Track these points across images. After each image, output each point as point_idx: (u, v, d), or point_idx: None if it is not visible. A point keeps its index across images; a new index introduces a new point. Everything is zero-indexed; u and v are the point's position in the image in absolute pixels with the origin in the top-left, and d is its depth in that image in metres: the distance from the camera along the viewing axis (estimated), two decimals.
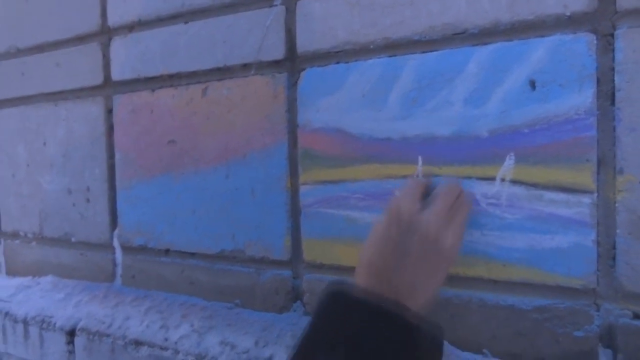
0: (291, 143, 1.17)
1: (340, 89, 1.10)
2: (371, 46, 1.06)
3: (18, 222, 1.78)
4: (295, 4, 1.15)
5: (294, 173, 1.17)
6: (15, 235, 1.80)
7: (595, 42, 0.85)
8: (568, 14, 0.87)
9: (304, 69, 1.15)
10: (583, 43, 0.86)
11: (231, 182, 1.26)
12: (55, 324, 1.39)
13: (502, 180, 0.93)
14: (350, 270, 1.09)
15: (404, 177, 1.03)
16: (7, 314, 1.52)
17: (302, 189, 1.15)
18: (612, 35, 0.84)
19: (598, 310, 0.86)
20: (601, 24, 0.85)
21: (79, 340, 1.34)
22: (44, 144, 1.68)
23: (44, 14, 1.65)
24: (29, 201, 1.74)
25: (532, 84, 0.90)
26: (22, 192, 1.76)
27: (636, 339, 0.83)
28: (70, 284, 1.59)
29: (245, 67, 1.23)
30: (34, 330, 1.44)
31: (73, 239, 1.62)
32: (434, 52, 0.99)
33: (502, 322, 0.94)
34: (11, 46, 1.76)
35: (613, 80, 0.84)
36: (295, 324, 1.14)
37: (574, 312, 0.88)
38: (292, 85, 1.17)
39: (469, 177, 0.96)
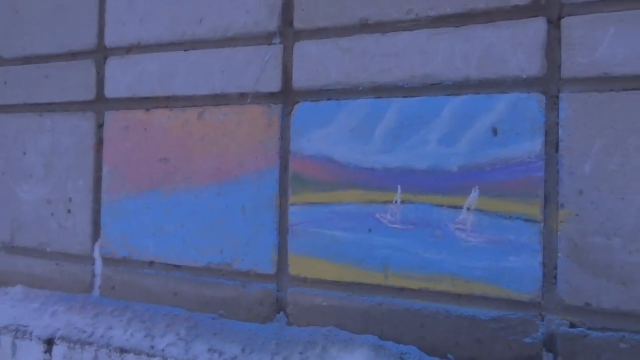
0: (282, 167, 1.30)
1: (331, 123, 1.24)
2: (360, 88, 1.22)
3: None
4: (293, 44, 1.30)
5: (283, 195, 1.29)
6: None
7: (545, 101, 1.06)
8: (524, 76, 1.07)
9: (298, 102, 1.29)
10: (535, 101, 1.06)
11: (223, 200, 1.36)
12: (31, 333, 1.40)
13: (468, 209, 1.10)
14: (332, 285, 1.22)
15: (385, 202, 1.18)
16: None
17: (291, 209, 1.27)
18: (557, 97, 1.05)
19: (543, 321, 1.04)
20: (550, 87, 1.06)
21: (59, 350, 1.35)
22: (24, 153, 1.69)
23: (35, 27, 1.69)
24: (1, 210, 1.73)
25: (495, 131, 1.09)
26: None
27: (573, 344, 1.02)
28: (44, 294, 1.59)
29: (242, 96, 1.36)
30: (6, 340, 1.44)
31: (49, 249, 1.63)
32: (415, 98, 1.17)
33: (465, 331, 1.10)
34: None
35: (558, 133, 1.04)
36: (279, 334, 1.24)
37: (523, 322, 1.05)
38: (286, 116, 1.30)
39: (441, 205, 1.13)
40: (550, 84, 1.06)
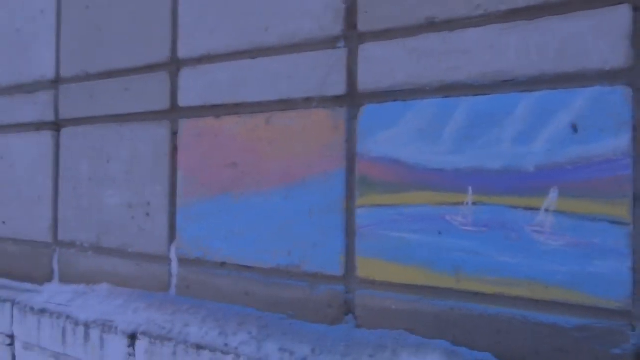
0: (349, 170, 1.30)
1: (398, 124, 1.23)
2: (427, 87, 1.20)
3: (76, 233, 1.91)
4: (358, 47, 1.31)
5: (350, 197, 1.29)
6: (71, 245, 1.93)
7: (631, 94, 0.98)
8: (607, 68, 1.00)
9: (363, 105, 1.29)
10: (620, 94, 0.99)
11: (290, 203, 1.39)
12: (116, 327, 1.51)
13: (547, 210, 1.05)
14: (401, 287, 1.21)
15: (455, 204, 1.15)
16: (68, 317, 1.64)
17: (358, 211, 1.28)
18: None
19: (634, 330, 0.97)
20: (636, 79, 0.98)
21: (141, 344, 1.44)
22: (107, 161, 1.83)
23: (115, 43, 1.83)
24: (88, 213, 1.87)
25: (575, 128, 1.03)
26: (82, 204, 1.89)
27: None
28: (126, 292, 1.71)
29: (308, 100, 1.38)
30: (94, 333, 1.55)
31: (130, 250, 1.75)
32: (486, 96, 1.13)
33: (545, 339, 1.05)
34: (82, 70, 1.93)
35: None
36: (348, 335, 1.24)
37: (611, 331, 0.98)
38: (352, 118, 1.31)
39: (516, 207, 1.08)
40: (636, 75, 0.98)
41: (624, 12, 0.99)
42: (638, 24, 0.98)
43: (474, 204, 1.13)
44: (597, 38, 1.01)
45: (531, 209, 1.07)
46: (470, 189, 1.13)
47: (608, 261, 0.99)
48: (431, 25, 1.20)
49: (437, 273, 1.16)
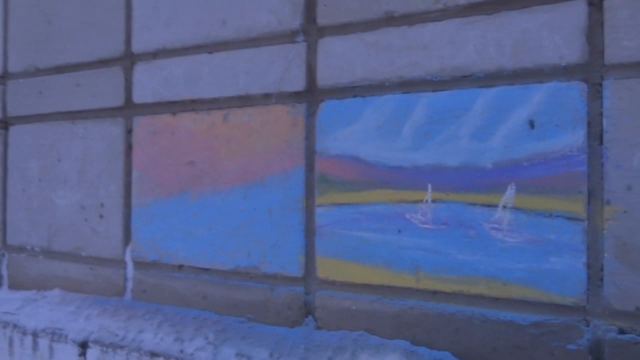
0: (308, 168, 1.27)
1: (357, 121, 1.21)
2: (387, 83, 1.18)
3: (26, 236, 1.81)
4: (317, 41, 1.27)
5: (310, 195, 1.26)
6: (21, 249, 1.83)
7: (586, 89, 0.98)
8: (563, 64, 1.00)
9: (322, 101, 1.26)
10: (576, 90, 0.99)
11: (249, 202, 1.34)
12: (66, 336, 1.43)
13: (504, 207, 1.04)
14: (361, 287, 1.18)
15: (415, 202, 1.13)
16: (15, 326, 1.55)
17: (318, 210, 1.24)
18: (600, 84, 0.97)
19: (588, 326, 0.97)
20: (591, 75, 0.98)
21: (92, 352, 1.37)
22: (58, 160, 1.74)
23: (66, 36, 1.74)
24: (39, 215, 1.78)
25: (532, 124, 1.02)
26: (32, 206, 1.80)
27: (622, 351, 0.94)
28: (79, 297, 1.62)
29: (266, 96, 1.34)
30: (43, 342, 1.47)
31: (83, 254, 1.66)
32: (445, 91, 1.11)
33: (503, 336, 1.04)
34: (30, 65, 1.83)
35: (601, 123, 0.97)
36: (307, 338, 1.21)
37: (567, 327, 0.98)
38: (311, 114, 1.27)
39: (474, 204, 1.07)
40: (592, 70, 0.98)
41: (579, 7, 0.99)
42: (593, 19, 0.98)
43: (433, 201, 1.11)
44: (553, 33, 1.01)
45: (489, 205, 1.06)
46: (429, 186, 1.12)
47: (564, 257, 0.99)
48: (391, 19, 1.18)
49: (396, 272, 1.14)
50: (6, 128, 1.89)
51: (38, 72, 1.81)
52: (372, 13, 1.20)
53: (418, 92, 1.14)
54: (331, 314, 1.22)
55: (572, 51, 0.99)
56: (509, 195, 1.04)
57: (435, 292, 1.10)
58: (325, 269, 1.23)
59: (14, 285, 1.86)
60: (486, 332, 1.05)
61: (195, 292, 1.43)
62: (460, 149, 1.09)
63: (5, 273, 1.88)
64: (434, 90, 1.13)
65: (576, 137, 0.98)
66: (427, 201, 1.12)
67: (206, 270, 1.41)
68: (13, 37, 1.89)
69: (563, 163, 0.99)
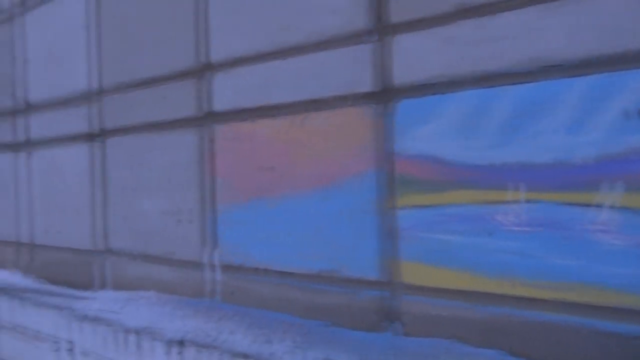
0: (387, 169, 1.24)
1: (436, 119, 1.16)
2: (465, 79, 1.12)
3: (124, 241, 1.97)
4: (390, 40, 1.24)
5: (390, 197, 1.23)
6: (121, 252, 1.99)
7: None
8: None
9: (399, 100, 1.22)
10: None
11: (327, 206, 1.34)
12: (165, 335, 1.53)
13: (608, 206, 0.95)
14: (450, 293, 1.14)
15: (503, 202, 1.06)
16: (119, 324, 1.68)
17: (399, 212, 1.21)
18: None
19: None
20: None
21: (188, 352, 1.46)
22: (149, 169, 1.86)
23: (151, 53, 1.84)
24: (134, 222, 1.92)
25: (639, 113, 0.92)
26: (129, 213, 1.94)
27: None
28: (173, 299, 1.73)
29: (341, 98, 1.33)
30: (145, 341, 1.59)
31: (175, 258, 1.77)
32: (531, 83, 1.03)
33: (613, 349, 0.95)
34: (121, 82, 1.96)
35: None
36: (394, 344, 1.19)
37: None
38: (387, 115, 1.24)
39: (571, 204, 0.99)
40: None
41: None
42: None
43: (525, 201, 1.04)
44: None
45: (590, 205, 0.96)
46: (519, 185, 1.04)
47: None
48: (465, 12, 1.11)
49: (487, 277, 1.08)
50: (103, 141, 2.05)
51: (128, 87, 1.94)
52: (445, 6, 1.14)
53: (501, 86, 1.07)
54: (418, 320, 1.19)
55: None
56: (615, 194, 0.94)
57: (532, 299, 1.03)
58: (410, 273, 1.20)
59: (115, 286, 2.02)
60: (592, 344, 0.97)
61: (279, 296, 1.47)
62: (552, 145, 1.01)
63: (109, 275, 2.06)
64: (519, 83, 1.05)
65: None
66: (517, 201, 1.05)
67: (289, 274, 1.44)
68: (106, 56, 2.04)
69: None
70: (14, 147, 2.55)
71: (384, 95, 1.25)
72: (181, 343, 1.48)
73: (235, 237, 1.57)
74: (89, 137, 2.11)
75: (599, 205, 0.95)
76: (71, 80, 2.20)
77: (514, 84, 1.06)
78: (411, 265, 1.20)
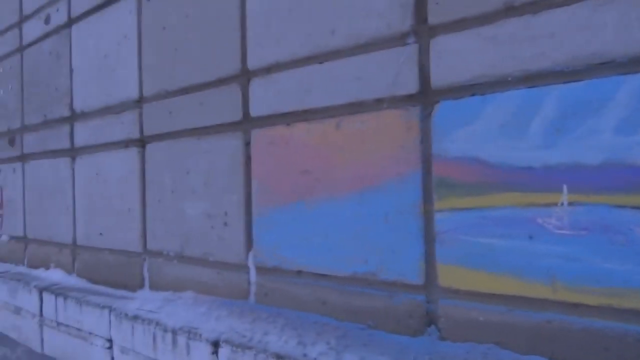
0: (425, 172, 1.23)
1: (477, 120, 1.14)
2: (509, 78, 1.10)
3: (162, 242, 2.02)
4: (429, 41, 1.23)
5: (428, 200, 1.22)
6: (159, 254, 2.04)
7: None
8: None
9: (437, 102, 1.21)
10: None
11: (364, 209, 1.34)
12: (201, 334, 1.55)
13: None
14: (489, 297, 1.11)
15: (548, 205, 1.03)
16: (157, 323, 1.72)
17: (437, 215, 1.20)
18: None
19: None
20: None
21: (223, 351, 1.47)
22: (187, 173, 1.90)
23: (189, 60, 1.90)
24: (172, 223, 1.97)
25: None
26: (167, 215, 1.99)
27: None
28: (209, 299, 1.76)
29: (378, 101, 1.33)
30: (182, 340, 1.62)
31: (211, 259, 1.80)
32: (579, 82, 1.00)
33: None
34: (161, 89, 2.03)
35: None
36: (431, 348, 1.16)
37: None
38: (426, 117, 1.23)
39: (622, 206, 0.95)
40: None
41: None
42: None
43: (569, 204, 1.00)
44: None
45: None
46: (564, 187, 1.01)
47: None
48: (510, 10, 1.09)
49: (529, 281, 1.05)
50: (143, 146, 2.12)
51: (167, 94, 2.01)
52: (488, 5, 1.13)
53: (546, 85, 1.04)
54: (456, 325, 1.17)
55: None
56: None
57: (577, 305, 0.99)
58: (448, 276, 1.18)
59: (154, 287, 2.07)
60: None
61: (314, 298, 1.47)
62: (601, 145, 0.97)
63: (146, 275, 2.11)
64: (566, 82, 1.02)
65: None
66: (562, 204, 1.01)
67: (324, 276, 1.44)
68: (146, 65, 2.12)
69: None
70: (63, 152, 2.67)
71: (422, 97, 1.24)
72: (216, 343, 1.50)
73: (271, 239, 1.58)
74: (129, 143, 2.18)
75: None
76: (115, 89, 2.29)
77: (560, 83, 1.03)
78: (448, 269, 1.17)
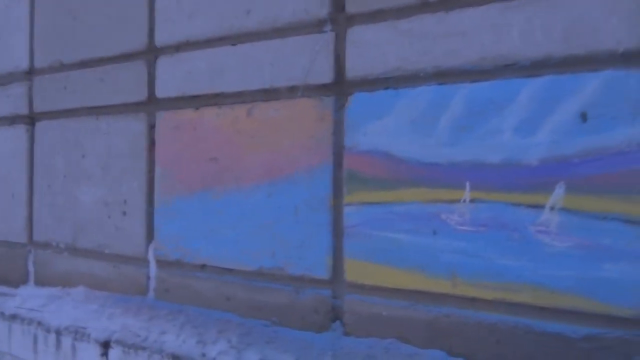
0: (336, 164, 1.20)
1: (389, 114, 1.13)
2: (421, 74, 1.10)
3: (51, 233, 1.81)
4: (346, 30, 1.20)
5: (338, 194, 1.19)
6: (46, 245, 1.82)
7: None
8: (621, 50, 0.90)
9: (352, 93, 1.19)
10: (636, 79, 0.89)
11: (274, 201, 1.28)
12: (89, 335, 1.40)
13: (552, 208, 0.95)
14: (393, 292, 1.11)
15: (451, 201, 1.05)
16: (39, 323, 1.54)
17: (347, 209, 1.17)
18: None
19: None
20: None
21: (114, 353, 1.34)
22: (83, 156, 1.72)
23: (90, 31, 1.71)
24: (63, 212, 1.77)
25: (584, 116, 0.93)
26: (57, 202, 1.79)
27: None
28: (102, 295, 1.61)
29: (292, 89, 1.27)
30: (66, 341, 1.45)
31: (107, 251, 1.64)
32: (485, 82, 1.02)
33: (550, 350, 0.95)
34: (55, 61, 1.82)
35: None
36: (335, 344, 1.14)
37: (625, 341, 0.88)
38: (339, 108, 1.20)
39: (518, 204, 0.98)
40: None
41: None
42: None
43: (471, 201, 1.03)
44: (609, 14, 0.90)
45: (535, 206, 0.96)
46: (467, 184, 1.03)
47: (620, 264, 0.89)
48: (426, 5, 1.09)
49: (431, 277, 1.06)
50: (32, 124, 1.89)
51: (63, 67, 1.79)
52: None
53: (456, 83, 1.06)
54: (360, 320, 1.15)
55: (631, 36, 0.89)
56: (558, 195, 0.94)
57: (473, 299, 1.02)
58: (354, 271, 1.16)
59: (40, 282, 1.86)
60: (532, 345, 0.96)
61: (218, 293, 1.38)
62: (502, 145, 1.00)
63: (31, 269, 1.88)
64: (474, 81, 1.04)
65: (636, 131, 0.88)
66: (465, 201, 1.03)
67: (229, 270, 1.36)
68: (38, 33, 1.88)
69: (620, 160, 0.89)
70: None
71: (337, 87, 1.21)
72: (106, 344, 1.37)
73: (174, 230, 1.47)
74: (15, 119, 1.93)
75: (544, 207, 0.95)
76: (1, 58, 2.01)
77: (468, 81, 1.04)
78: (355, 263, 1.16)
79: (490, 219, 1.01)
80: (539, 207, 0.96)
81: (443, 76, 1.07)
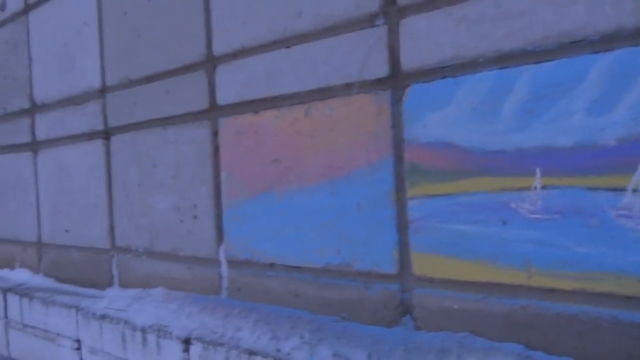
0: (397, 158, 1.19)
1: (449, 104, 1.10)
2: (480, 59, 1.06)
3: (131, 238, 1.94)
4: (398, 22, 1.19)
5: (400, 188, 1.18)
6: (127, 250, 1.96)
7: None
8: None
9: (408, 85, 1.17)
10: None
11: (336, 198, 1.30)
12: (171, 332, 1.50)
13: (635, 190, 0.89)
14: (464, 285, 1.09)
15: (521, 189, 1.01)
16: (126, 322, 1.66)
17: (410, 203, 1.16)
18: None
19: None
20: None
21: (195, 349, 1.42)
22: (154, 165, 1.83)
23: (153, 47, 1.81)
24: (140, 218, 1.89)
25: None
26: (134, 210, 1.91)
27: None
28: (180, 295, 1.70)
29: (348, 86, 1.28)
30: (151, 338, 1.56)
31: (181, 254, 1.74)
32: (550, 62, 0.97)
33: (638, 341, 0.89)
34: (124, 77, 1.94)
35: None
36: (406, 339, 1.14)
37: None
38: (397, 101, 1.19)
39: (595, 188, 0.93)
40: None
41: None
42: None
43: (543, 187, 0.98)
44: None
45: (615, 189, 0.91)
46: (537, 170, 0.99)
47: None
48: None
49: (503, 268, 1.03)
50: (108, 138, 2.03)
51: (131, 83, 1.91)
52: None
53: (518, 66, 1.01)
54: (431, 314, 1.14)
55: None
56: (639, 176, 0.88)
57: (551, 290, 0.97)
58: (422, 265, 1.15)
59: (123, 284, 2.00)
60: (617, 336, 0.91)
61: (287, 290, 1.42)
62: (573, 127, 0.95)
63: (115, 272, 2.03)
64: (537, 62, 0.99)
65: None
66: (535, 188, 0.99)
67: (297, 268, 1.40)
68: (108, 52, 2.02)
69: None
70: (24, 147, 2.54)
71: (393, 80, 1.20)
72: (187, 340, 1.45)
73: (242, 231, 1.53)
74: (93, 135, 2.09)
75: (625, 189, 0.89)
76: (76, 79, 2.18)
77: (532, 63, 1.00)
78: (422, 257, 1.14)
79: (564, 206, 0.96)
80: (620, 189, 0.90)
81: (504, 60, 1.03)
